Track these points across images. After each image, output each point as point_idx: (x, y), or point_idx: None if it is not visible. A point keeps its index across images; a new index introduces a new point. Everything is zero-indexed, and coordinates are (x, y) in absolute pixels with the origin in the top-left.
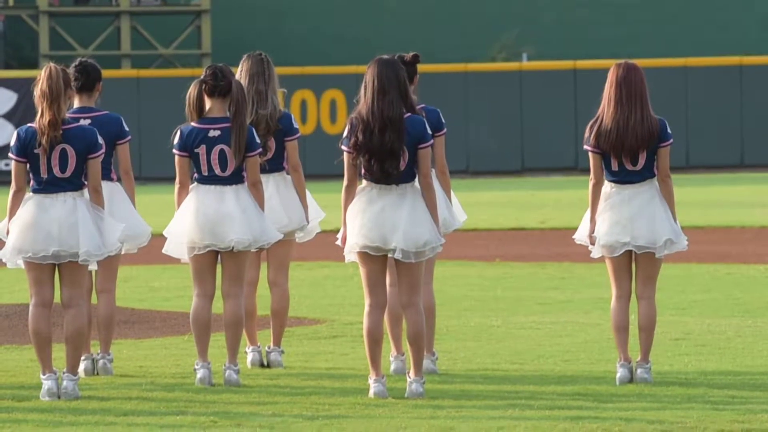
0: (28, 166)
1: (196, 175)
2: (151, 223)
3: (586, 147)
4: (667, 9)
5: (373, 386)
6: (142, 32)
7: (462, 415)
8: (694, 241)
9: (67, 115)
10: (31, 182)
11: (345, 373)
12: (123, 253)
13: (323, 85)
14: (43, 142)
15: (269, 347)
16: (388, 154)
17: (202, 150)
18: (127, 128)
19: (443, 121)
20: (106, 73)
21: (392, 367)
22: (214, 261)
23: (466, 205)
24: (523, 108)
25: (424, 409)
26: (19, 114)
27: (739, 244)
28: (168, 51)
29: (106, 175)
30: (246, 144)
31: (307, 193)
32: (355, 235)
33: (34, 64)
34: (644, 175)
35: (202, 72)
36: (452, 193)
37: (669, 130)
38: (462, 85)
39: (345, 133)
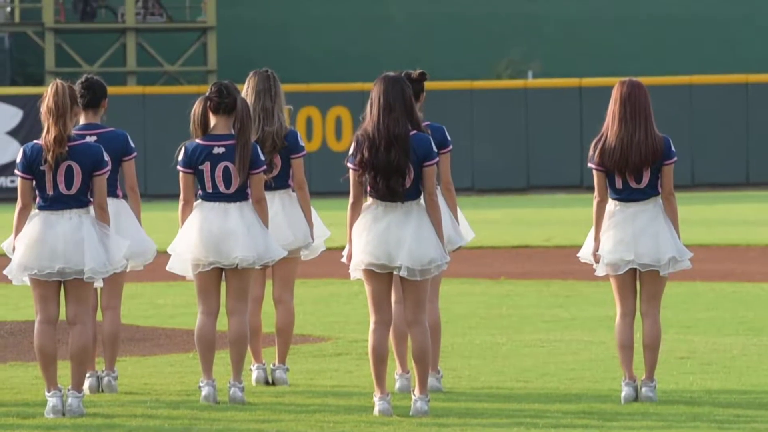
0: (33, 182)
1: (200, 192)
2: (157, 239)
3: (590, 165)
4: (672, 26)
5: (377, 404)
6: (148, 49)
7: None
8: (699, 259)
9: (73, 131)
10: (37, 199)
11: (350, 391)
12: (128, 270)
13: (329, 103)
14: (49, 158)
15: (274, 365)
16: (393, 171)
17: (206, 167)
18: (132, 145)
19: (449, 138)
20: (111, 90)
21: (397, 385)
22: (219, 278)
23: (471, 222)
24: (529, 125)
25: (429, 427)
26: (25, 130)
27: (744, 262)
28: (173, 68)
29: (112, 192)
30: (250, 161)
31: (312, 210)
32: (360, 253)
33: (40, 81)
34: (648, 193)
35: (207, 89)
36: (459, 210)
37: (673, 148)
38: (467, 102)
39: (351, 150)
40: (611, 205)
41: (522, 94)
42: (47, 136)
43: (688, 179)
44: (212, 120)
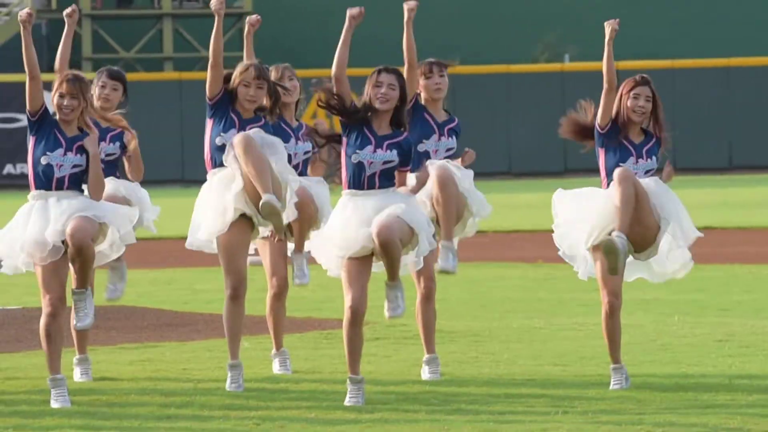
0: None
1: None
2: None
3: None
4: (710, 8)
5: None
6: (185, 35)
7: (505, 418)
8: (738, 242)
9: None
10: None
11: (387, 377)
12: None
13: (360, 87)
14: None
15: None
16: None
17: None
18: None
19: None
20: (148, 75)
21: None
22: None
23: (508, 206)
24: (566, 109)
25: (466, 413)
26: None
27: None
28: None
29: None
30: None
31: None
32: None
33: (77, 67)
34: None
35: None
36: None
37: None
38: (504, 86)
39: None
40: None
41: (559, 77)
42: None
43: (726, 162)
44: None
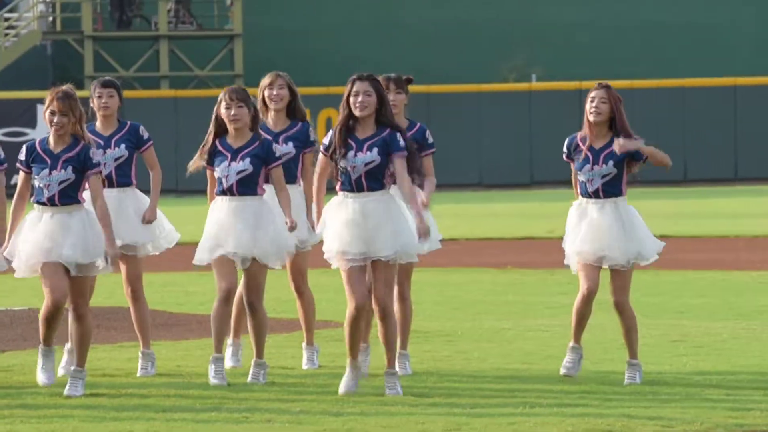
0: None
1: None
2: (189, 231)
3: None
4: (665, 33)
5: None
6: (179, 55)
7: (476, 411)
8: (691, 249)
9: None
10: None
11: (369, 373)
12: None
13: None
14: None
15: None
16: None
17: None
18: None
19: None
20: (146, 93)
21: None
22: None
23: (479, 216)
24: (532, 125)
25: (440, 406)
26: None
27: (732, 252)
28: (203, 72)
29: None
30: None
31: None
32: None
33: (80, 85)
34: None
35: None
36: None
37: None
38: (476, 103)
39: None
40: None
41: (526, 96)
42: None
43: (681, 175)
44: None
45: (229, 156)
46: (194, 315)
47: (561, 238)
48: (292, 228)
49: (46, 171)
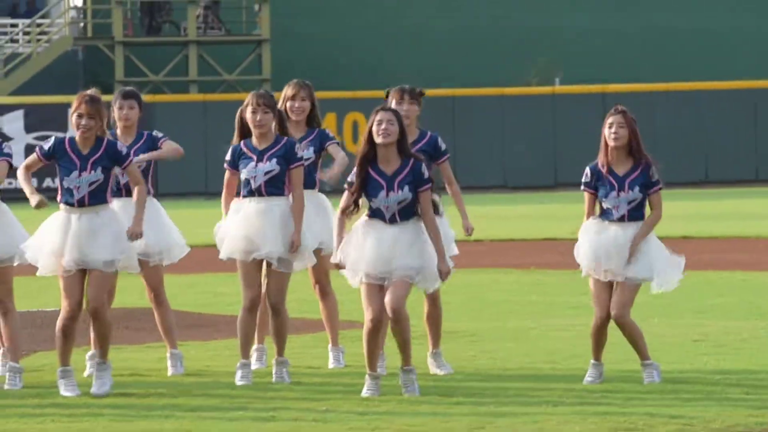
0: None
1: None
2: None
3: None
4: (682, 37)
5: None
6: (208, 60)
7: (500, 410)
8: (712, 250)
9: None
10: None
11: (394, 372)
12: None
13: (373, 108)
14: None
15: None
16: None
17: None
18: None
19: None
20: (175, 97)
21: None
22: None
23: (503, 217)
24: (556, 128)
25: (464, 405)
26: None
27: (753, 252)
28: (232, 77)
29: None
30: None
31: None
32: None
33: (110, 90)
34: None
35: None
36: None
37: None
38: (499, 107)
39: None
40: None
41: (549, 99)
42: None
43: (702, 176)
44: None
45: (255, 157)
46: (222, 316)
47: None
48: (293, 247)
49: (76, 173)
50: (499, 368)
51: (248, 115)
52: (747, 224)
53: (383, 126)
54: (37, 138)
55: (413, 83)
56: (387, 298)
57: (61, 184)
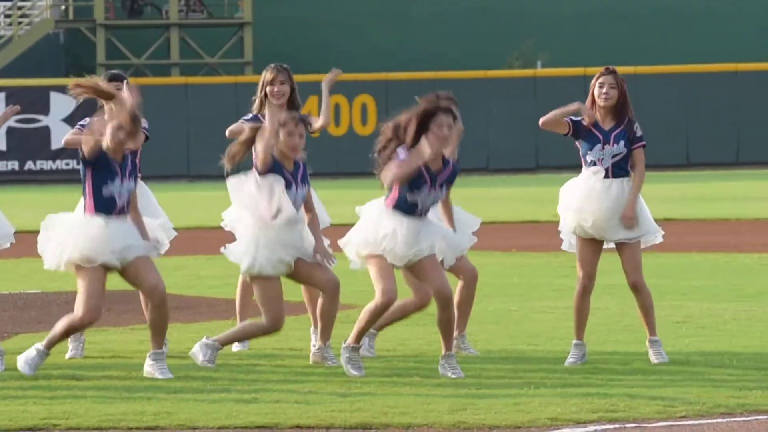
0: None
1: None
2: (199, 216)
3: None
4: (668, 19)
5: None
6: (190, 43)
7: (481, 392)
8: (694, 232)
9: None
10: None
11: (382, 355)
12: None
13: (355, 91)
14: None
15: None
16: None
17: None
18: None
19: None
20: (157, 80)
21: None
22: None
23: (485, 199)
24: (538, 111)
25: (446, 387)
26: (78, 118)
27: (735, 234)
28: (213, 60)
29: None
30: None
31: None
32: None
33: (92, 72)
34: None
35: (244, 79)
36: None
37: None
38: (482, 90)
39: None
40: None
41: (532, 82)
42: None
43: (683, 159)
44: None
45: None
46: (205, 298)
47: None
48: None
49: (118, 179)
50: (481, 350)
51: (284, 138)
52: (729, 206)
53: (445, 131)
54: (19, 121)
55: (395, 66)
56: (437, 283)
57: (98, 193)
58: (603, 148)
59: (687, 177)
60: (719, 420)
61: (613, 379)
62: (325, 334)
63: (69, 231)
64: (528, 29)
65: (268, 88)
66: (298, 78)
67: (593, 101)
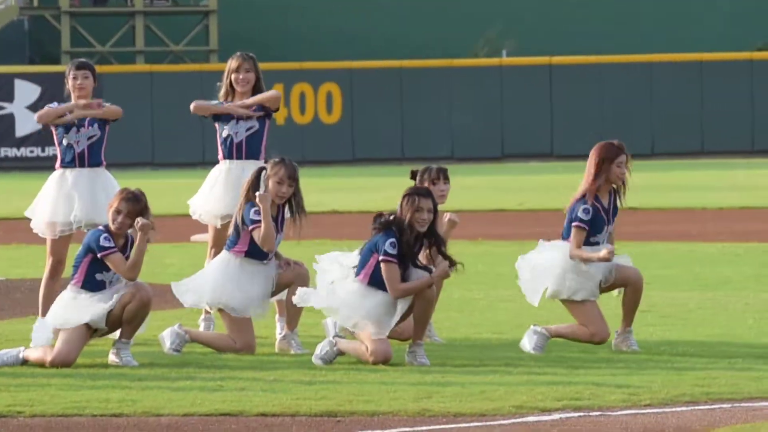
0: None
1: None
2: (165, 204)
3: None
4: (635, 9)
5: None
6: (155, 31)
7: (447, 380)
8: (658, 221)
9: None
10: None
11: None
12: None
13: (320, 79)
14: None
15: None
16: None
17: None
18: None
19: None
20: (121, 68)
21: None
22: None
23: (452, 188)
24: (504, 100)
25: (411, 374)
26: (42, 105)
27: (699, 223)
28: (178, 48)
29: None
30: None
31: None
32: None
33: (57, 60)
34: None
35: (210, 67)
36: None
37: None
38: (447, 78)
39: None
40: None
41: (497, 71)
42: None
43: (648, 149)
44: None
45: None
46: (169, 286)
47: (531, 211)
48: None
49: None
50: (446, 338)
51: (272, 185)
52: (693, 195)
53: (424, 216)
54: None
55: (360, 54)
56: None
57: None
58: (607, 228)
59: (651, 166)
60: (683, 408)
61: (578, 367)
62: (292, 323)
63: None
64: (493, 17)
65: (233, 76)
66: (263, 66)
67: (608, 177)
